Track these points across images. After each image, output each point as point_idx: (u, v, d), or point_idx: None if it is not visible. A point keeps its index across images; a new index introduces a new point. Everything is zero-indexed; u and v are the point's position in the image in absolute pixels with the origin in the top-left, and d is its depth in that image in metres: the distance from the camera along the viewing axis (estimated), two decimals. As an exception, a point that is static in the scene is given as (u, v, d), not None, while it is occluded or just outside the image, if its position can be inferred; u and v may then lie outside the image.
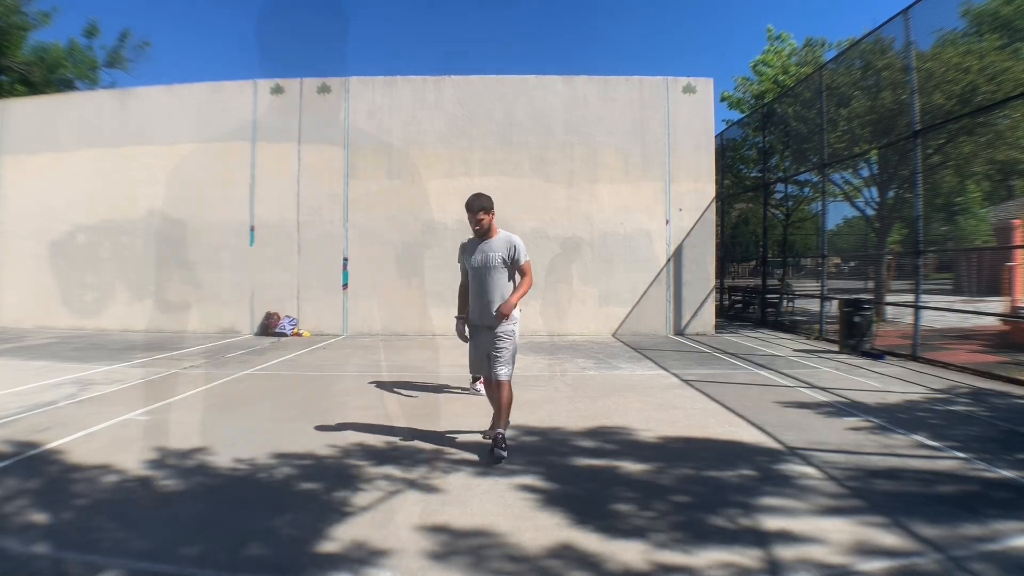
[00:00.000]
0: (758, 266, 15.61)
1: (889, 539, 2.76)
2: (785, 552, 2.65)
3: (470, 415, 5.21)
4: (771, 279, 14.56)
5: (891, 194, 13.14)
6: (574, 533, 2.86)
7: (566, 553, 2.66)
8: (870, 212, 13.71)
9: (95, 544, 2.70)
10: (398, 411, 5.38)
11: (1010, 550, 2.66)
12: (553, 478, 3.62)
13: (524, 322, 11.37)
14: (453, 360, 8.29)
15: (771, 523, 2.95)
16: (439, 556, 2.63)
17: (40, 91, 16.57)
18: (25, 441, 4.28)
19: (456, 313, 4.50)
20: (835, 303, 9.96)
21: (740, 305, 15.56)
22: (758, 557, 2.60)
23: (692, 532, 2.86)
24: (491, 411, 4.32)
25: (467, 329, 4.26)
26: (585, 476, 3.69)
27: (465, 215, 4.15)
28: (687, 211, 11.79)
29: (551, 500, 3.28)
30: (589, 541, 2.77)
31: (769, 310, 13.67)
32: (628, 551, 2.66)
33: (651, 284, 11.81)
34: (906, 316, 10.38)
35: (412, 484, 3.52)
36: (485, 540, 2.79)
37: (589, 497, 3.32)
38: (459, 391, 6.24)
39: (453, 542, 2.77)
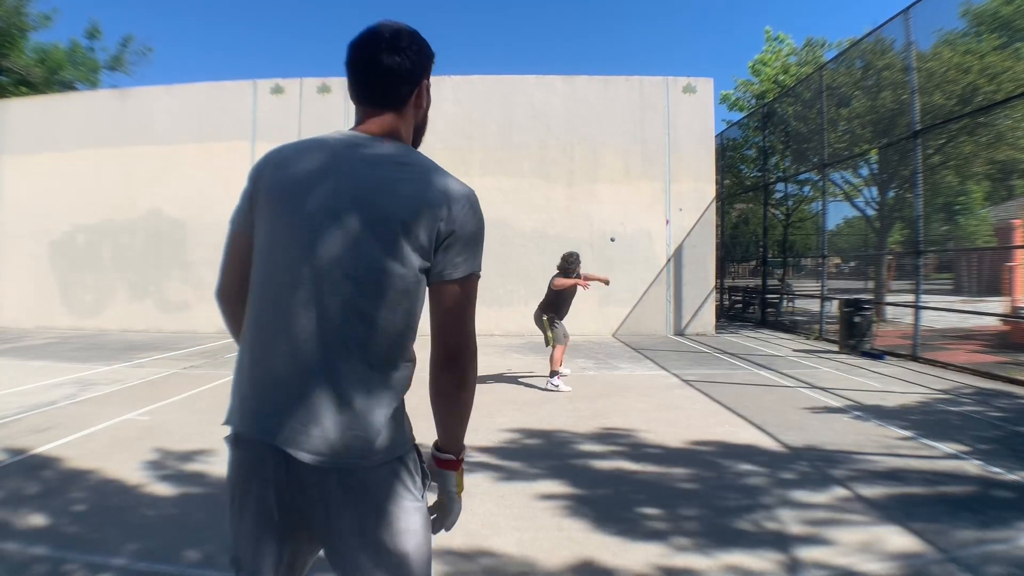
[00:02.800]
0: (758, 266, 15.60)
1: (893, 540, 2.75)
2: (790, 554, 2.64)
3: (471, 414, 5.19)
4: (771, 279, 14.56)
5: (891, 194, 13.13)
6: (577, 536, 2.85)
7: (570, 558, 2.66)
8: (870, 212, 13.71)
9: (95, 545, 2.69)
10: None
11: (1014, 551, 2.66)
12: (554, 480, 3.62)
13: (523, 322, 11.37)
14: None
15: (774, 525, 2.94)
16: (441, 557, 2.62)
17: (41, 92, 16.56)
18: (25, 441, 4.27)
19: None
20: (835, 303, 9.95)
21: (740, 305, 15.55)
22: (764, 559, 2.59)
23: (697, 534, 2.85)
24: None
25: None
26: (585, 478, 3.68)
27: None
28: (687, 211, 11.78)
29: (553, 503, 3.27)
30: (592, 543, 2.76)
31: (769, 310, 13.66)
32: (638, 555, 2.66)
33: (651, 284, 11.80)
34: (906, 316, 10.38)
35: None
36: (488, 542, 2.79)
37: (591, 499, 3.31)
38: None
39: (455, 545, 2.76)
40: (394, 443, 1.10)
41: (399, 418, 1.13)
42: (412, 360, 1.16)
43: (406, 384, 1.15)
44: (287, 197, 1.11)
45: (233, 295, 1.20)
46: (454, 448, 1.20)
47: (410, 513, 1.11)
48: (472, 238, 1.13)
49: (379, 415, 1.08)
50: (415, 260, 1.09)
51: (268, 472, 1.08)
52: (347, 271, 1.07)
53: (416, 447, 1.17)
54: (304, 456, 1.05)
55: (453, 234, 1.11)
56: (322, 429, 1.05)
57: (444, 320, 1.13)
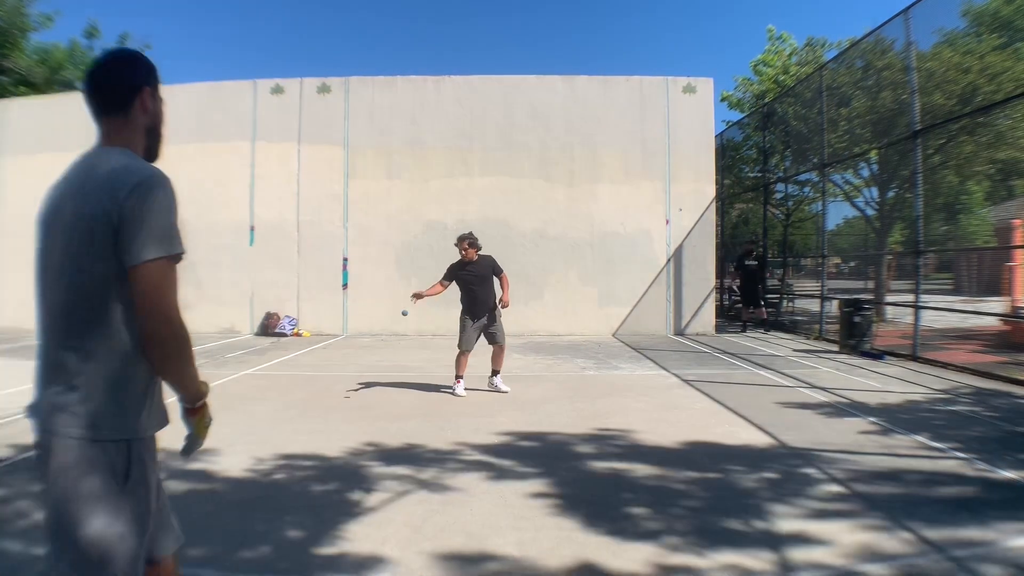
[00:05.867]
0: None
1: (891, 540, 2.75)
2: (789, 554, 2.64)
3: (471, 414, 5.21)
4: (771, 279, 14.54)
5: (891, 194, 13.13)
6: (577, 536, 2.85)
7: (570, 558, 2.66)
8: (870, 212, 13.71)
9: (96, 545, 2.69)
10: (399, 411, 5.38)
11: (1011, 550, 2.66)
12: (554, 480, 3.62)
13: (524, 323, 11.41)
14: (453, 360, 8.27)
15: (774, 525, 2.95)
16: (441, 557, 2.62)
17: (42, 92, 16.55)
18: (25, 441, 4.27)
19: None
20: (835, 303, 9.95)
21: (740, 305, 15.53)
22: (764, 559, 2.59)
23: (696, 534, 2.85)
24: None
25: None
26: (585, 478, 3.69)
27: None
28: (687, 211, 11.78)
29: (553, 503, 3.28)
30: (592, 543, 2.77)
31: (769, 310, 13.64)
32: (638, 554, 2.66)
33: (651, 284, 11.80)
34: (906, 316, 10.38)
35: (416, 484, 3.51)
36: (487, 542, 2.79)
37: (591, 499, 3.31)
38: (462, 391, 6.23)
39: (455, 545, 2.76)
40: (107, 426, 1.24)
41: (120, 404, 1.27)
42: (127, 349, 1.27)
43: (124, 372, 1.28)
44: (38, 217, 1.35)
45: None
46: (186, 400, 1.47)
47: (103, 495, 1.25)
48: (144, 220, 1.22)
49: (94, 399, 1.24)
50: (107, 251, 1.22)
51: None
52: (61, 273, 1.26)
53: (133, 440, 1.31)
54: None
55: (124, 219, 1.21)
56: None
57: (138, 304, 1.24)
